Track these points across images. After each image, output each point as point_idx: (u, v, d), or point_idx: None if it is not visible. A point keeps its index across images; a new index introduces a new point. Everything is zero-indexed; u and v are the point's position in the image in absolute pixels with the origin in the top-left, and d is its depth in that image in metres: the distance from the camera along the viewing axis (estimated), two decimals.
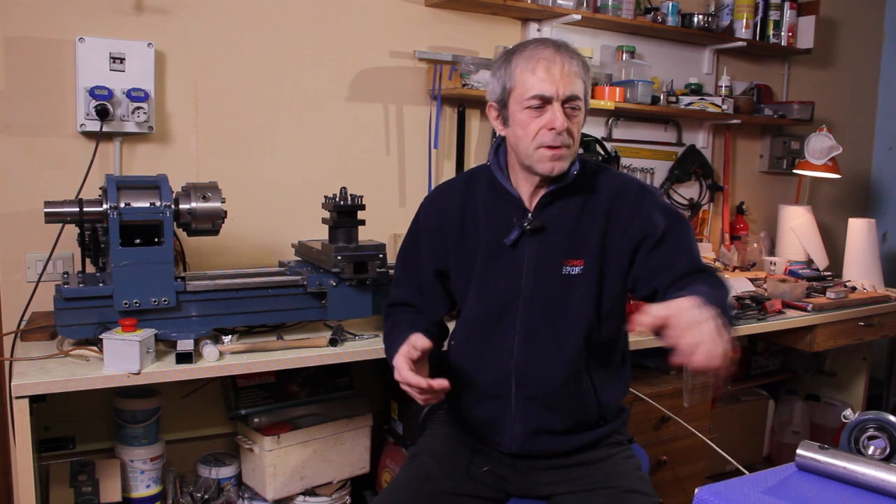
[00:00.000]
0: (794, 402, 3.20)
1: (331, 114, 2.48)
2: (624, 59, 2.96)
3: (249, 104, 2.35)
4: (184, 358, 1.69)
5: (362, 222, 1.97)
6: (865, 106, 4.09)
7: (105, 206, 1.71)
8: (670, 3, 2.95)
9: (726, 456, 2.02)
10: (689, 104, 3.06)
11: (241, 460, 2.20)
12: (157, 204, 1.75)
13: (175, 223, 1.81)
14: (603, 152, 2.79)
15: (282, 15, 2.37)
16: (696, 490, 0.97)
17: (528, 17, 2.77)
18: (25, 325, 1.94)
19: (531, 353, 1.50)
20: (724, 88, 3.23)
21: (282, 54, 2.38)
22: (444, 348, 1.68)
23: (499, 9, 2.65)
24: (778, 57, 3.57)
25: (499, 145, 1.59)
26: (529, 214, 1.53)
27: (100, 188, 1.83)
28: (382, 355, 1.88)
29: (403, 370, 1.38)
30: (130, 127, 2.12)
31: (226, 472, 2.19)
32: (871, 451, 1.04)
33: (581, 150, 2.76)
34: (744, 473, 1.14)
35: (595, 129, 3.01)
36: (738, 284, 2.79)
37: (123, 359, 1.62)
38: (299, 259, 2.14)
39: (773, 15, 3.28)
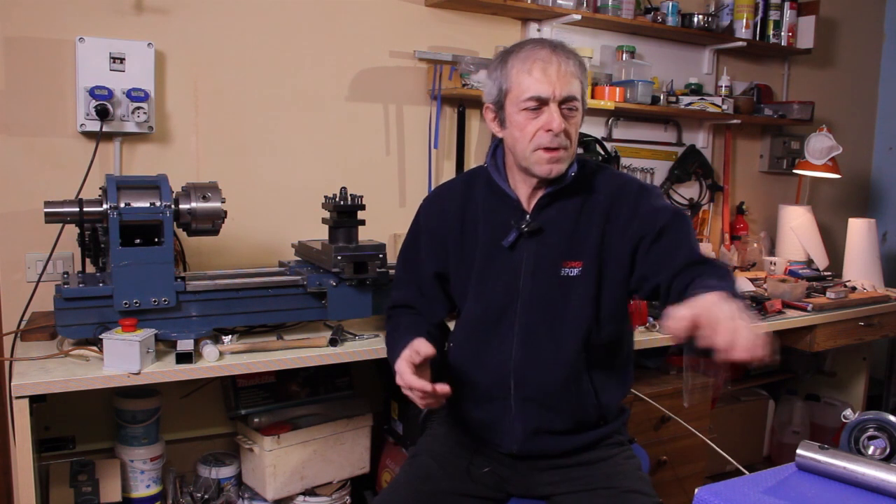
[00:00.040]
0: (794, 402, 3.20)
1: (331, 114, 2.48)
2: (624, 59, 2.96)
3: (249, 104, 2.35)
4: (184, 358, 1.69)
5: (362, 222, 1.97)
6: (865, 106, 4.09)
7: (105, 206, 1.71)
8: (670, 3, 2.95)
9: (726, 456, 2.02)
10: (689, 104, 3.06)
11: (241, 460, 2.20)
12: (157, 204, 1.75)
13: (175, 223, 1.81)
14: (603, 152, 2.79)
15: (282, 15, 2.37)
16: (696, 490, 0.97)
17: (528, 17, 2.77)
18: (25, 325, 1.94)
19: (529, 354, 1.50)
20: (724, 88, 3.23)
21: (282, 54, 2.38)
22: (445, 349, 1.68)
23: (499, 9, 2.65)
24: (778, 57, 3.57)
25: (496, 146, 1.59)
26: (527, 216, 1.52)
27: (100, 188, 1.83)
28: (382, 355, 1.88)
29: (406, 375, 1.37)
30: (130, 127, 2.12)
31: (226, 472, 2.19)
32: (871, 451, 1.04)
33: (581, 150, 2.77)
34: (744, 473, 1.14)
35: (595, 129, 3.01)
36: (739, 284, 2.79)
37: (123, 359, 1.62)
38: (299, 259, 2.14)
39: (773, 15, 3.28)
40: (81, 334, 1.73)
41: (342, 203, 1.94)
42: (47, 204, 1.73)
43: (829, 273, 3.21)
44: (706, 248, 3.30)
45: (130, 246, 1.73)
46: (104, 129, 2.06)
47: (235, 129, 2.34)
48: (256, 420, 2.14)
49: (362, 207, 1.97)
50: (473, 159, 2.74)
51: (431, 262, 1.62)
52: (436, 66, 2.56)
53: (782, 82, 3.63)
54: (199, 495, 2.10)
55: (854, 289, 2.95)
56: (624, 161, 3.07)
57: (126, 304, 1.72)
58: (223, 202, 1.85)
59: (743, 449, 2.93)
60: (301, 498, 2.16)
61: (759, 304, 2.56)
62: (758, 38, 3.25)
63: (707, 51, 3.28)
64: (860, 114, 4.06)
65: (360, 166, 2.54)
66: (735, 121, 3.23)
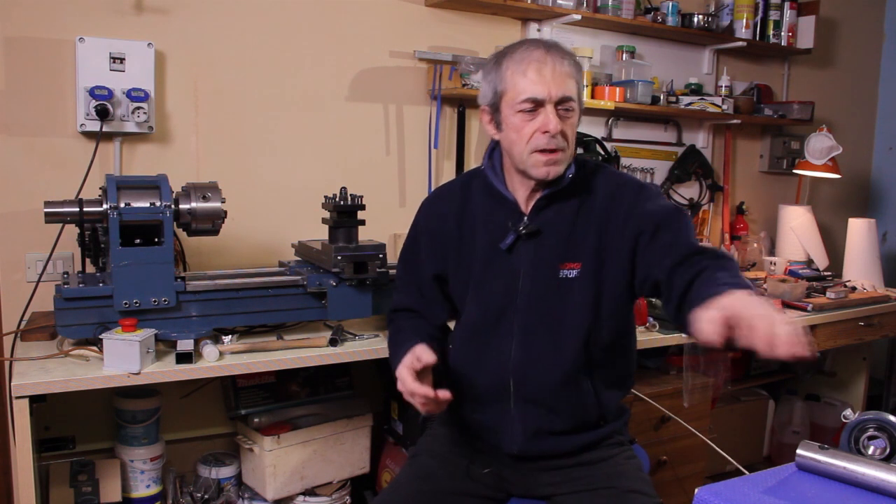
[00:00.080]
0: (794, 402, 3.20)
1: (331, 114, 2.48)
2: (624, 59, 2.96)
3: (249, 104, 2.35)
4: (184, 358, 1.69)
5: (362, 222, 1.97)
6: (865, 106, 4.09)
7: (105, 206, 1.71)
8: (670, 3, 2.95)
9: (726, 456, 2.02)
10: (689, 104, 3.06)
11: (241, 460, 2.20)
12: (157, 204, 1.75)
13: (175, 223, 1.81)
14: (603, 152, 2.79)
15: (282, 15, 2.37)
16: (696, 490, 0.97)
17: (528, 17, 2.77)
18: (25, 325, 1.94)
19: (529, 356, 1.49)
20: (724, 88, 3.23)
21: (282, 54, 2.38)
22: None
23: (499, 9, 2.65)
24: (778, 57, 3.57)
25: (493, 148, 1.57)
26: (525, 218, 1.51)
27: (100, 188, 1.83)
28: (382, 355, 1.88)
29: (408, 381, 1.38)
30: (130, 127, 2.12)
31: (226, 472, 2.19)
32: (871, 451, 1.04)
33: (581, 150, 2.77)
34: (744, 473, 1.14)
35: (595, 129, 3.01)
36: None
37: (123, 359, 1.62)
38: (299, 259, 2.14)
39: (773, 15, 3.28)
40: (81, 334, 1.73)
41: (342, 203, 1.94)
42: (47, 204, 1.73)
43: (829, 273, 3.21)
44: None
45: (130, 246, 1.73)
46: (104, 129, 2.06)
47: (235, 129, 2.34)
48: (256, 420, 2.14)
49: (362, 207, 1.97)
50: (473, 159, 2.75)
51: (431, 265, 1.62)
52: (436, 66, 2.56)
53: (782, 82, 3.63)
54: (199, 495, 2.10)
55: (854, 289, 2.95)
56: (624, 161, 3.07)
57: (126, 304, 1.72)
58: (223, 202, 1.85)
59: (743, 449, 2.93)
60: (301, 498, 2.16)
61: None
62: (758, 38, 3.25)
63: (707, 51, 3.28)
64: (860, 114, 4.06)
65: (360, 166, 2.54)
66: (735, 121, 3.23)
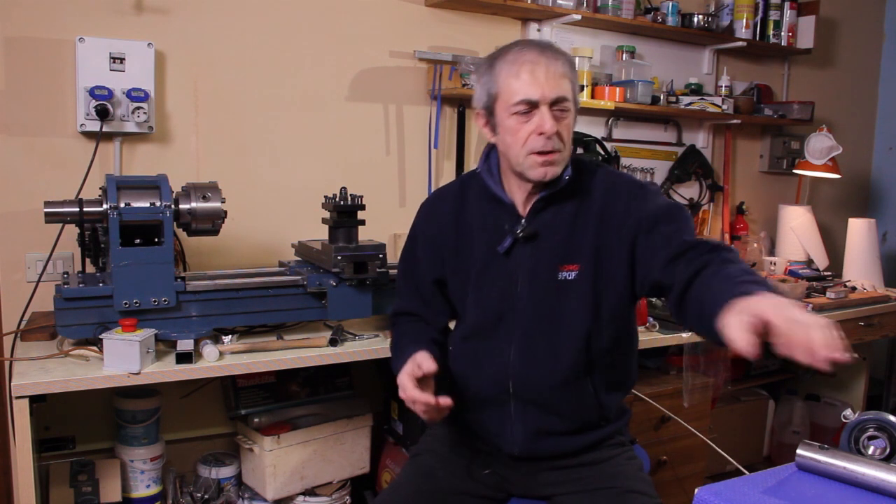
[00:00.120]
0: (794, 402, 3.20)
1: (331, 114, 2.48)
2: (624, 59, 2.96)
3: (249, 104, 2.35)
4: (184, 358, 1.69)
5: (362, 222, 1.97)
6: (865, 106, 4.09)
7: (105, 206, 1.71)
8: (670, 3, 2.95)
9: (726, 456, 2.02)
10: (689, 104, 3.06)
11: (241, 460, 2.20)
12: (157, 204, 1.75)
13: (175, 223, 1.81)
14: (603, 152, 2.79)
15: (282, 15, 2.37)
16: (696, 490, 0.97)
17: (528, 17, 2.77)
18: (25, 325, 1.94)
19: (528, 359, 1.49)
20: (724, 88, 3.23)
21: (282, 54, 2.38)
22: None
23: (499, 9, 2.65)
24: (778, 57, 3.57)
25: (490, 151, 1.56)
26: (523, 220, 1.50)
27: (100, 188, 1.83)
28: (382, 355, 1.88)
29: (409, 389, 1.37)
30: (130, 127, 2.12)
31: (226, 472, 2.19)
32: (871, 451, 1.04)
33: (581, 151, 2.77)
34: (744, 473, 1.14)
35: (595, 129, 3.01)
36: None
37: (123, 359, 1.62)
38: (299, 259, 2.14)
39: (773, 15, 3.28)
40: (81, 334, 1.73)
41: (342, 203, 1.94)
42: (47, 204, 1.73)
43: (829, 273, 3.21)
44: None
45: (130, 246, 1.73)
46: (104, 129, 2.06)
47: (235, 129, 2.34)
48: (256, 420, 2.14)
49: (362, 207, 1.97)
50: (473, 159, 2.75)
51: (429, 269, 1.61)
52: (436, 66, 2.56)
53: (782, 82, 3.63)
54: (199, 495, 2.10)
55: (854, 289, 2.95)
56: (624, 161, 3.07)
57: (126, 304, 1.72)
58: (223, 202, 1.85)
59: (743, 449, 2.93)
60: (301, 498, 2.16)
61: None
62: (758, 38, 3.25)
63: (707, 51, 3.28)
64: (860, 114, 4.06)
65: (360, 166, 2.54)
66: (735, 121, 3.23)
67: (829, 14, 3.68)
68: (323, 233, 2.01)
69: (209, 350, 1.73)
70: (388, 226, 2.52)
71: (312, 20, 2.42)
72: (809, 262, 3.28)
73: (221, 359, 1.75)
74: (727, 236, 3.42)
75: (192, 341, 1.77)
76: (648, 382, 2.33)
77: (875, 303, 2.86)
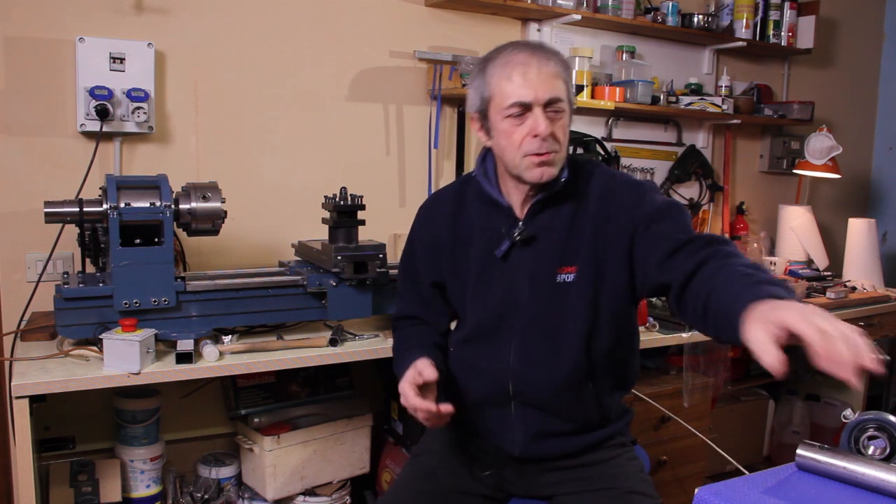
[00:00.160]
0: (794, 402, 3.20)
1: (331, 114, 2.48)
2: (624, 59, 2.96)
3: (249, 104, 2.35)
4: (184, 358, 1.69)
5: (362, 222, 1.97)
6: (865, 106, 4.09)
7: (105, 206, 1.71)
8: (670, 3, 2.95)
9: (726, 456, 2.02)
10: (689, 104, 3.06)
11: (241, 460, 2.20)
12: (157, 204, 1.75)
13: (175, 223, 1.81)
14: (603, 152, 2.79)
15: (282, 15, 2.37)
16: (696, 490, 0.97)
17: (528, 17, 2.77)
18: (25, 325, 1.94)
19: (527, 362, 1.48)
20: (724, 88, 3.23)
21: (282, 54, 2.38)
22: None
23: (499, 9, 2.65)
24: (778, 57, 3.57)
25: (486, 154, 1.55)
26: (520, 223, 1.48)
27: (100, 188, 1.83)
28: (382, 355, 1.88)
29: (410, 396, 1.37)
30: (130, 127, 2.12)
31: (226, 472, 2.19)
32: (871, 451, 1.04)
33: (581, 151, 2.77)
34: (744, 473, 1.14)
35: (595, 129, 3.01)
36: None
37: (123, 359, 1.62)
38: (299, 259, 2.14)
39: (773, 15, 3.28)
40: (81, 334, 1.73)
41: (342, 203, 1.94)
42: (47, 204, 1.73)
43: (829, 273, 3.21)
44: None
45: (130, 246, 1.73)
46: (104, 129, 2.06)
47: (235, 129, 2.34)
48: (256, 420, 2.14)
49: (362, 207, 1.97)
50: (473, 159, 2.74)
51: (428, 272, 1.61)
52: (436, 66, 2.56)
53: (782, 82, 3.63)
54: (199, 495, 2.10)
55: (854, 289, 2.95)
56: (624, 161, 3.07)
57: (126, 304, 1.72)
58: (223, 202, 1.85)
59: (743, 449, 2.93)
60: (301, 498, 2.16)
61: None
62: (758, 38, 3.25)
63: (707, 51, 3.28)
64: (860, 114, 4.06)
65: (360, 166, 2.54)
66: (735, 121, 3.23)
67: (829, 14, 3.68)
68: (323, 233, 2.01)
69: (209, 350, 1.73)
70: (388, 226, 2.52)
71: (312, 20, 2.42)
72: (809, 262, 3.28)
73: (221, 359, 1.75)
74: (727, 236, 3.42)
75: (192, 341, 1.77)
76: (648, 382, 2.33)
77: (875, 303, 2.86)
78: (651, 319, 2.28)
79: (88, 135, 2.11)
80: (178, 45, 2.22)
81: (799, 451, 1.04)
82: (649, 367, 2.46)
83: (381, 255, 1.92)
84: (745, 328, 1.05)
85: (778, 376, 0.99)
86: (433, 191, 2.56)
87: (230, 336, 1.84)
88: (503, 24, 2.76)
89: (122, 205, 1.72)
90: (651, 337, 2.22)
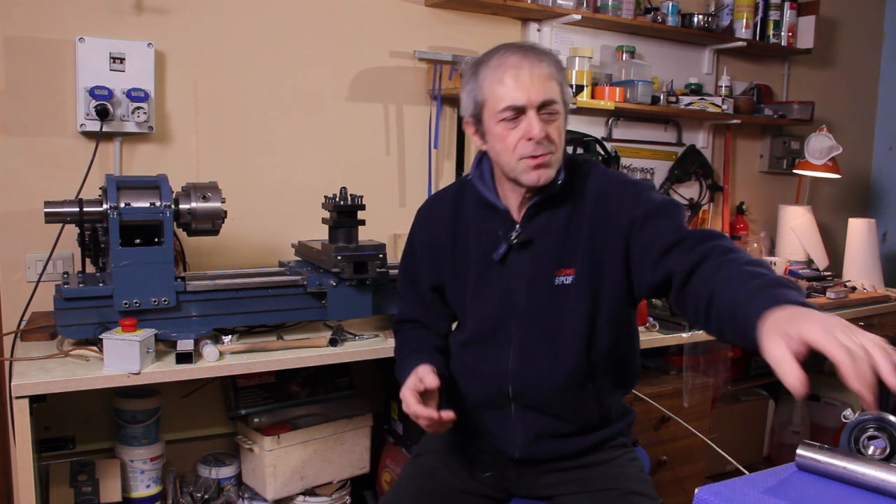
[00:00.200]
0: (794, 402, 3.20)
1: (331, 114, 2.48)
2: (624, 59, 2.96)
3: (249, 104, 2.35)
4: (184, 358, 1.69)
5: (362, 222, 1.97)
6: (865, 106, 4.09)
7: (105, 206, 1.71)
8: (670, 3, 2.95)
9: (726, 456, 2.02)
10: (689, 104, 3.06)
11: (241, 460, 2.20)
12: (157, 204, 1.75)
13: (175, 223, 1.81)
14: (603, 152, 2.79)
15: (282, 15, 2.37)
16: (696, 490, 0.97)
17: (528, 17, 2.77)
18: (25, 325, 1.94)
19: (527, 364, 1.48)
20: (724, 88, 3.23)
21: (282, 54, 2.38)
22: None
23: (499, 9, 2.65)
24: (778, 57, 3.57)
25: (482, 157, 1.54)
26: (517, 226, 1.47)
27: (100, 188, 1.83)
28: (382, 355, 1.88)
29: (411, 403, 1.37)
30: (130, 127, 2.12)
31: (226, 472, 2.19)
32: (871, 451, 1.04)
33: (581, 151, 2.77)
34: (744, 473, 1.14)
35: (595, 129, 3.01)
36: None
37: (123, 359, 1.62)
38: (299, 259, 2.14)
39: (773, 15, 3.28)
40: (81, 334, 1.73)
41: (342, 203, 1.94)
42: (47, 204, 1.73)
43: (829, 273, 3.21)
44: None
45: (130, 246, 1.73)
46: (104, 129, 2.06)
47: (235, 129, 2.34)
48: (256, 420, 2.14)
49: (362, 207, 1.97)
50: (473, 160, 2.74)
51: (428, 276, 1.60)
52: (436, 66, 2.56)
53: (782, 82, 3.63)
54: (199, 495, 2.10)
55: (854, 289, 2.95)
56: (624, 161, 3.07)
57: (126, 304, 1.72)
58: (223, 202, 1.85)
59: (743, 449, 2.93)
60: (301, 498, 2.16)
61: None
62: (758, 38, 3.25)
63: (707, 51, 3.28)
64: (860, 114, 4.06)
65: (360, 166, 2.54)
66: (735, 121, 3.23)
67: (829, 14, 3.68)
68: (323, 233, 2.01)
69: (209, 350, 1.73)
70: (388, 226, 2.52)
71: (312, 20, 2.42)
72: (809, 262, 3.28)
73: (221, 359, 1.75)
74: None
75: (192, 341, 1.77)
76: (648, 382, 2.33)
77: (875, 303, 2.86)
78: (651, 319, 2.28)
79: (88, 135, 2.11)
80: (178, 45, 2.22)
81: (799, 451, 1.04)
82: (649, 367, 2.47)
83: (381, 255, 1.92)
84: (764, 340, 1.01)
85: (799, 399, 0.95)
86: (433, 191, 2.57)
87: (230, 336, 1.84)
88: (503, 24, 2.76)
89: (122, 205, 1.72)
90: (651, 337, 2.22)
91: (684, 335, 2.26)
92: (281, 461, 2.08)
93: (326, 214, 1.98)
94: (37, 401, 1.56)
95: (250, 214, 2.33)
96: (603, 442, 1.54)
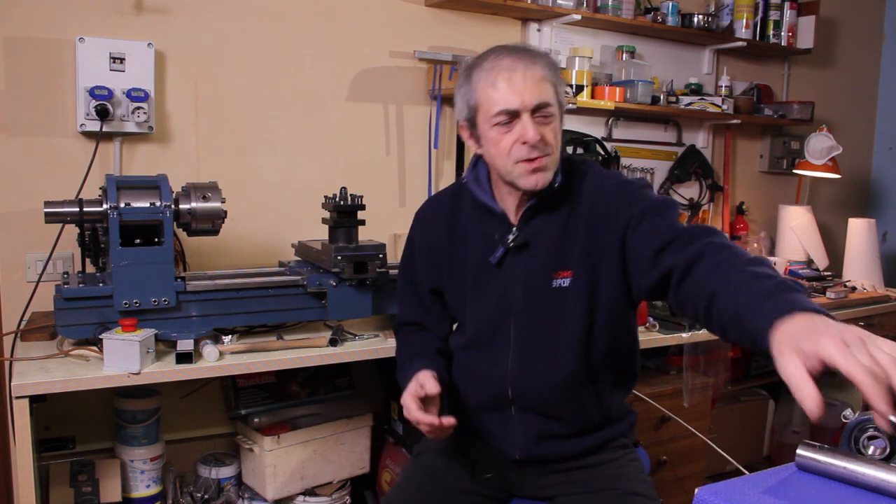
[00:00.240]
0: (794, 402, 3.19)
1: (331, 114, 2.48)
2: (624, 59, 2.96)
3: (249, 104, 2.35)
4: (184, 358, 1.69)
5: (362, 222, 1.97)
6: (865, 106, 4.09)
7: (105, 206, 1.71)
8: (670, 3, 2.95)
9: (726, 456, 2.02)
10: (689, 104, 3.06)
11: (241, 460, 2.20)
12: (157, 204, 1.75)
13: (175, 223, 1.81)
14: (603, 152, 2.79)
15: (282, 15, 2.37)
16: (696, 490, 0.97)
17: (528, 17, 2.77)
18: (25, 325, 1.94)
19: (526, 367, 1.48)
20: (724, 88, 3.23)
21: (282, 54, 2.38)
22: None
23: (499, 9, 2.65)
24: (778, 57, 3.57)
25: (477, 160, 1.53)
26: (514, 229, 1.46)
27: (100, 188, 1.83)
28: (382, 355, 1.88)
29: (412, 410, 1.36)
30: (130, 127, 2.12)
31: (226, 472, 2.19)
32: (871, 451, 1.04)
33: (581, 151, 2.77)
34: (744, 473, 1.14)
35: (595, 129, 3.01)
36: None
37: (123, 359, 1.62)
38: (299, 259, 2.14)
39: (773, 15, 3.28)
40: (81, 334, 1.73)
41: (342, 203, 1.94)
42: (47, 204, 1.73)
43: (829, 273, 3.21)
44: None
45: (130, 246, 1.73)
46: (104, 129, 2.06)
47: (235, 129, 2.34)
48: (256, 420, 2.14)
49: (362, 207, 1.97)
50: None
51: (426, 278, 1.60)
52: (436, 66, 2.56)
53: (782, 82, 3.63)
54: (199, 495, 2.10)
55: (854, 289, 2.95)
56: (624, 161, 3.07)
57: (126, 304, 1.72)
58: (223, 202, 1.85)
59: (743, 449, 2.93)
60: (301, 498, 2.16)
61: None
62: (758, 38, 3.25)
63: (707, 51, 3.28)
64: (860, 114, 4.06)
65: (360, 166, 2.54)
66: (735, 121, 3.23)
67: (829, 14, 3.68)
68: (323, 233, 2.01)
69: (209, 350, 1.73)
70: (388, 226, 2.52)
71: (312, 20, 2.42)
72: (809, 262, 3.28)
73: (221, 359, 1.75)
74: (727, 236, 3.42)
75: (192, 341, 1.77)
76: (648, 382, 2.33)
77: (875, 303, 2.86)
78: (651, 319, 2.28)
79: (88, 135, 2.11)
80: (178, 45, 2.22)
81: (799, 451, 1.04)
82: (649, 367, 2.47)
83: (381, 255, 1.92)
84: (777, 355, 0.96)
85: (815, 421, 0.91)
86: (433, 191, 2.57)
87: (230, 336, 1.84)
88: (503, 24, 2.76)
89: (122, 205, 1.72)
90: (651, 337, 2.22)
91: (684, 335, 2.26)
92: (281, 461, 2.08)
93: (326, 214, 1.98)
94: (37, 401, 1.56)
95: (250, 214, 2.33)
96: (605, 443, 1.54)
